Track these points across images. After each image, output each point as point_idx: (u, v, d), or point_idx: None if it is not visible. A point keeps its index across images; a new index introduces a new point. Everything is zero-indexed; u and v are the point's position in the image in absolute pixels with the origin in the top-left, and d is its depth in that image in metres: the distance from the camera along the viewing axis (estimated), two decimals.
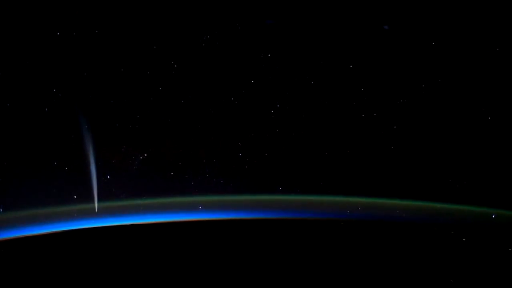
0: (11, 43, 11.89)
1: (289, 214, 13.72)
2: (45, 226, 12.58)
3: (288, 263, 8.95)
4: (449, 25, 12.22)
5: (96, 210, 12.94)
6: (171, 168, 13.74)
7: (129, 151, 13.58)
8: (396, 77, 13.00)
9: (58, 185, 12.90)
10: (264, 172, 13.80)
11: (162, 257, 9.69)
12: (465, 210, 12.84)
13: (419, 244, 10.93)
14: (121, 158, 13.54)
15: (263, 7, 12.66)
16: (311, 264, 8.85)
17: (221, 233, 12.62)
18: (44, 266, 9.06)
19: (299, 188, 13.82)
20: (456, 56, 12.52)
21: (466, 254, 10.04)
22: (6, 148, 12.40)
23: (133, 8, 12.44)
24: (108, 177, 13.32)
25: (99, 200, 12.92)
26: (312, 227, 13.18)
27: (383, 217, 13.26)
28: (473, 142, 12.77)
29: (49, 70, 12.40)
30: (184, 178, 13.76)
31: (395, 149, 13.31)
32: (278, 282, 7.70)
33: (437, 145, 13.09)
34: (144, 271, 8.36)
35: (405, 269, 8.43)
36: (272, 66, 13.19)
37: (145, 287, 7.60)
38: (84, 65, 12.66)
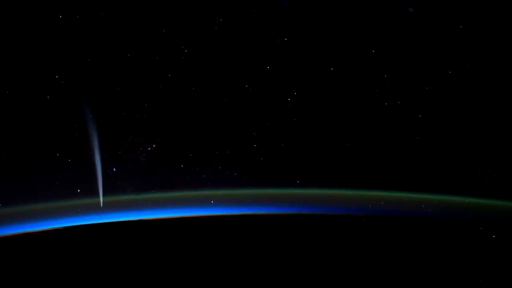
0: (9, 26, 11.30)
1: (307, 209, 13.40)
2: (46, 222, 12.33)
3: (306, 261, 8.52)
4: (478, 6, 11.56)
5: (101, 205, 12.70)
6: (181, 160, 13.41)
7: (136, 142, 13.22)
8: (421, 63, 12.41)
9: (61, 178, 12.56)
10: (281, 164, 13.46)
11: (171, 255, 9.25)
12: (495, 205, 12.34)
13: (446, 241, 10.46)
14: (127, 149, 13.17)
15: None
16: (331, 261, 8.46)
17: (234, 229, 12.21)
18: (45, 265, 8.62)
19: (318, 182, 13.46)
20: (487, 39, 11.84)
21: (495, 252, 9.47)
22: (5, 138, 11.95)
23: None
24: (114, 169, 13.03)
25: (104, 194, 12.65)
26: (332, 223, 12.70)
27: (408, 213, 12.83)
28: (503, 133, 12.21)
29: (50, 56, 11.87)
30: (195, 171, 13.46)
31: (420, 140, 12.80)
32: (295, 280, 7.32)
33: (465, 136, 12.54)
34: (152, 270, 7.95)
35: (431, 267, 8.00)
36: (289, 51, 12.70)
37: (153, 287, 7.19)
38: (88, 50, 12.13)
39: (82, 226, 12.47)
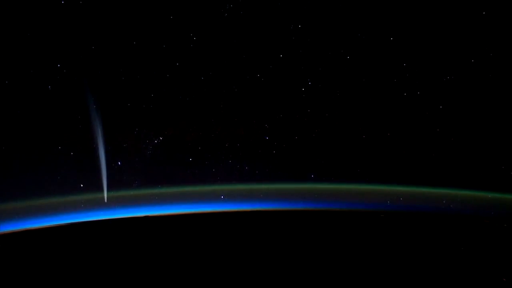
0: (7, 11, 10.88)
1: (322, 205, 13.15)
2: (47, 219, 12.16)
3: (321, 258, 8.07)
4: None
5: (106, 200, 12.46)
6: (189, 153, 13.18)
7: (143, 134, 12.97)
8: (442, 51, 11.92)
9: (63, 172, 12.31)
10: (294, 158, 13.15)
11: (178, 253, 8.76)
12: None
13: (468, 238, 9.97)
14: (133, 142, 12.95)
15: None
16: (347, 259, 8.01)
17: (245, 226, 11.76)
18: (46, 264, 8.21)
19: (333, 176, 13.18)
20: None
21: None
22: (4, 130, 11.63)
23: None
24: (119, 163, 12.81)
25: (108, 189, 12.44)
26: (349, 219, 12.31)
27: (428, 208, 12.50)
28: None
29: (52, 43, 11.48)
30: (204, 165, 13.22)
31: (441, 132, 12.34)
32: (309, 278, 6.95)
33: (489, 128, 12.08)
34: (158, 269, 7.53)
35: (453, 265, 7.56)
36: (303, 39, 12.26)
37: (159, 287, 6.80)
38: (92, 37, 11.76)
39: (85, 223, 12.29)
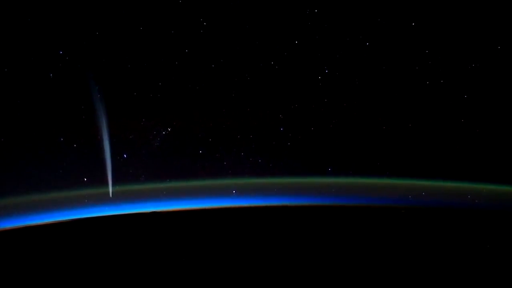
0: None
1: (339, 200, 12.83)
2: (49, 215, 11.97)
3: (339, 256, 7.94)
4: None
5: (111, 195, 12.30)
6: (199, 145, 12.97)
7: (150, 125, 12.79)
8: (467, 37, 11.51)
9: (65, 165, 12.16)
10: (311, 150, 12.92)
11: (187, 251, 8.60)
12: None
13: (494, 235, 9.61)
14: (140, 133, 12.77)
15: None
16: (367, 257, 7.81)
17: (258, 222, 11.62)
18: (47, 262, 8.06)
19: (351, 169, 12.94)
20: None
21: None
22: (3, 121, 11.41)
23: None
24: (125, 156, 12.63)
25: (114, 184, 12.25)
26: (368, 215, 12.09)
27: (452, 204, 12.15)
28: None
29: (54, 28, 11.20)
30: (215, 158, 13.03)
31: (466, 123, 12.00)
32: (325, 276, 6.79)
33: None
34: (167, 268, 7.39)
35: (478, 263, 7.35)
36: (320, 24, 11.90)
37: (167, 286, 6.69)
38: (96, 22, 11.46)
39: (89, 219, 12.19)
